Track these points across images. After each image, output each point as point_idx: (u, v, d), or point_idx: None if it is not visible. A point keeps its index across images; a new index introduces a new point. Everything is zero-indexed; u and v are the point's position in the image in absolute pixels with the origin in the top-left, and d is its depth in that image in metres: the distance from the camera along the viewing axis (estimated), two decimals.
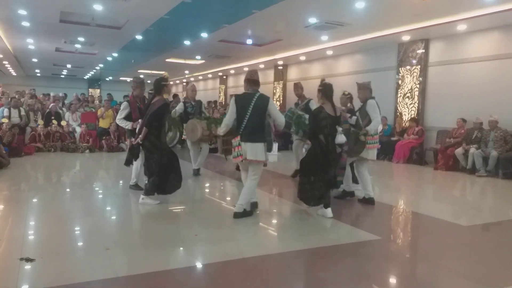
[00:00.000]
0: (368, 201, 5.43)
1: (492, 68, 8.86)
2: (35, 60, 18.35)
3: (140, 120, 5.39)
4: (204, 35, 11.49)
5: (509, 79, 8.49)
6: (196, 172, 7.35)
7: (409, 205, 5.88)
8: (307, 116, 6.01)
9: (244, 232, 4.23)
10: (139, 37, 12.00)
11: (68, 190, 6.27)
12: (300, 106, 6.99)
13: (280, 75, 16.38)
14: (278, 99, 16.38)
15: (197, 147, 7.39)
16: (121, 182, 6.76)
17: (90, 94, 23.55)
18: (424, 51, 10.22)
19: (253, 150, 4.43)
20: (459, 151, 8.69)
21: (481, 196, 7.05)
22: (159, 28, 10.62)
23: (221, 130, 4.79)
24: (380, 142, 5.80)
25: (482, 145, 8.40)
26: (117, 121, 6.09)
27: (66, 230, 4.07)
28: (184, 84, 26.32)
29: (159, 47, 14.07)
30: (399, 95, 10.91)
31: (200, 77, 23.56)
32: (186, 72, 21.93)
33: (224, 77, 21.32)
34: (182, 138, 7.34)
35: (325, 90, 4.72)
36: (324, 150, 4.56)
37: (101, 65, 20.22)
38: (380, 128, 5.52)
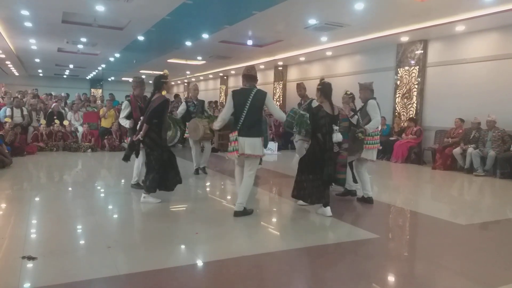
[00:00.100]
0: (366, 200, 5.48)
1: (490, 69, 8.90)
2: (37, 60, 18.42)
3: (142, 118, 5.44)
4: (205, 36, 11.55)
5: (507, 79, 8.53)
6: (198, 172, 7.40)
7: (408, 204, 5.91)
8: (308, 115, 6.04)
9: (245, 231, 4.27)
10: (141, 37, 12.06)
11: (70, 189, 6.31)
12: (302, 106, 7.03)
13: (280, 75, 16.43)
14: (278, 99, 16.44)
15: (199, 146, 7.46)
16: (122, 181, 6.82)
17: (92, 94, 23.62)
18: (422, 51, 10.27)
19: (251, 144, 4.47)
20: (457, 150, 8.73)
21: (479, 196, 7.08)
22: (161, 29, 10.68)
23: (217, 124, 4.81)
24: (380, 142, 5.84)
25: (480, 145, 8.44)
26: (120, 121, 6.17)
27: (68, 229, 4.10)
28: (185, 84, 26.38)
29: (161, 48, 14.13)
30: (397, 95, 10.95)
31: (201, 78, 23.60)
32: (187, 72, 21.98)
33: (225, 77, 21.36)
34: (184, 137, 7.39)
35: (324, 89, 4.76)
36: (322, 148, 4.61)
37: (103, 66, 20.27)
38: (379, 128, 5.55)
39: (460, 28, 9.04)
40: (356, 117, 5.48)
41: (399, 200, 6.25)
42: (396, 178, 8.55)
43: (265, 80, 17.27)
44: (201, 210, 5.07)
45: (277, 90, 16.61)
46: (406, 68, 10.68)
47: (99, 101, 14.36)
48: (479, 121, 8.64)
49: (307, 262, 3.48)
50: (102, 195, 6.04)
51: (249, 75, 4.65)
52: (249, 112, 4.46)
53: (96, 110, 12.63)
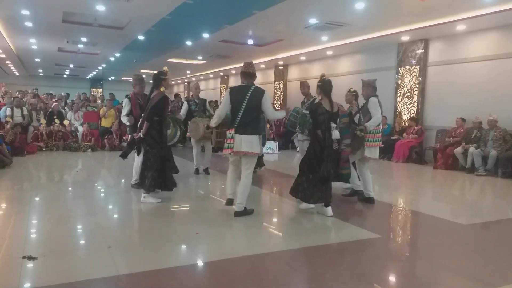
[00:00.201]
0: (368, 200, 5.46)
1: (491, 68, 8.89)
2: (37, 60, 18.43)
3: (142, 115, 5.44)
4: (206, 35, 11.54)
5: (508, 79, 8.52)
6: (198, 171, 7.40)
7: (409, 204, 5.91)
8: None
9: (245, 231, 4.26)
10: (141, 37, 12.05)
11: (70, 189, 6.30)
12: (305, 105, 7.03)
13: (281, 75, 16.42)
14: (278, 98, 16.44)
15: (200, 146, 7.45)
16: (123, 181, 6.81)
17: (92, 93, 23.63)
18: (423, 51, 10.25)
19: (248, 142, 4.43)
20: (458, 150, 8.72)
21: (480, 195, 7.07)
22: (161, 28, 10.67)
23: (213, 121, 4.79)
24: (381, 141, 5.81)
25: (481, 144, 8.43)
26: (121, 118, 6.19)
27: (68, 229, 4.09)
28: (186, 84, 26.38)
29: (161, 47, 14.12)
30: (398, 94, 10.94)
31: (202, 77, 23.60)
32: (188, 72, 21.99)
33: (225, 77, 21.36)
34: (187, 135, 7.40)
35: (324, 86, 4.74)
36: (322, 145, 4.59)
37: (103, 65, 20.29)
38: (380, 126, 5.51)
39: (461, 27, 9.02)
40: (358, 115, 5.46)
41: (400, 200, 6.25)
42: (397, 178, 8.54)
43: (265, 80, 17.27)
44: (201, 210, 5.06)
45: (278, 90, 16.60)
46: (407, 67, 10.66)
47: (99, 101, 14.37)
48: (480, 120, 8.62)
49: (308, 262, 3.46)
50: (102, 195, 6.03)
51: (247, 72, 4.62)
52: (246, 109, 4.42)
53: (96, 109, 12.63)
